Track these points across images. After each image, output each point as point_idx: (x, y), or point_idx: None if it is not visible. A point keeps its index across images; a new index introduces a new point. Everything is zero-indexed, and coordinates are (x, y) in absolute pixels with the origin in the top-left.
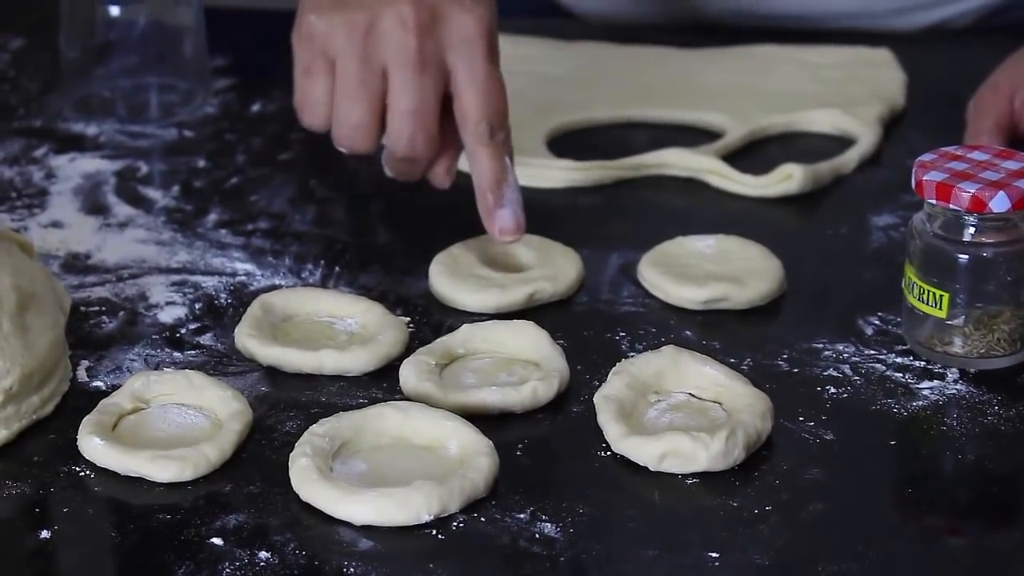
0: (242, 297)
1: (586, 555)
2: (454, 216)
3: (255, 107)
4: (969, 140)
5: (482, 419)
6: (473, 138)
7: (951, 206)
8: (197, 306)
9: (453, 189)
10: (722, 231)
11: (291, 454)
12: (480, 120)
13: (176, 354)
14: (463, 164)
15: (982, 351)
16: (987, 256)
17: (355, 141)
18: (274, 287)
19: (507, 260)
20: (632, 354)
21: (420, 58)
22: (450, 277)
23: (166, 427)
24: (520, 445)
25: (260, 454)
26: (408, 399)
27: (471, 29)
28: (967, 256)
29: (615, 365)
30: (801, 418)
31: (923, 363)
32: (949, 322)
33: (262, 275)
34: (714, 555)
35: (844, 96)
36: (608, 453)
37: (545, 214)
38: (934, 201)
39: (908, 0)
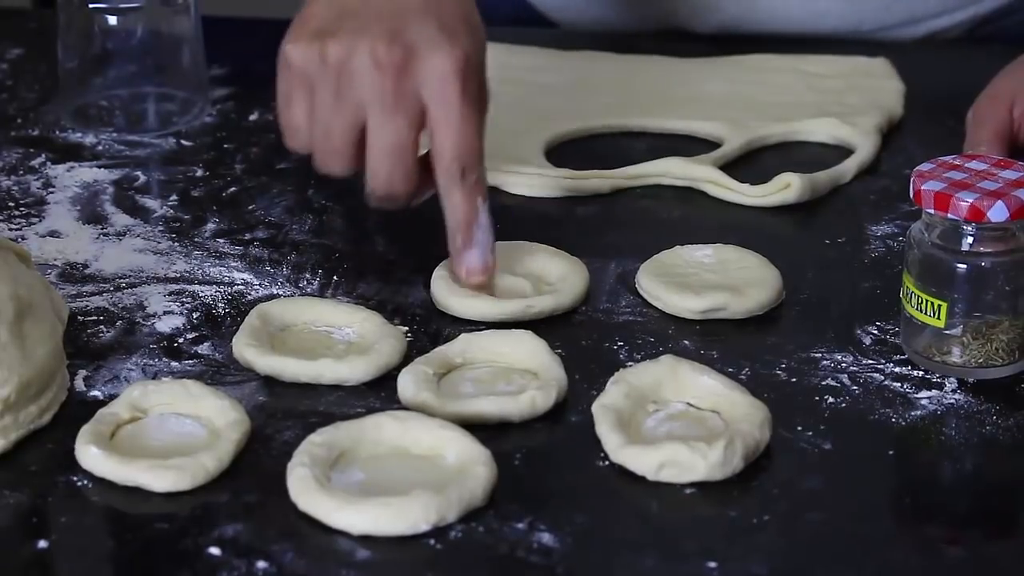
0: (240, 306)
1: (584, 565)
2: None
3: (253, 116)
4: (968, 150)
5: (480, 428)
6: (445, 178)
7: (949, 215)
8: (195, 315)
9: None
10: (720, 240)
11: (289, 463)
12: (452, 160)
13: (174, 363)
14: None
15: (980, 361)
16: (985, 266)
17: (332, 165)
18: (272, 296)
19: (513, 270)
20: (630, 363)
21: (394, 98)
22: (451, 284)
23: (164, 436)
24: (518, 454)
25: (258, 464)
26: (406, 408)
27: (446, 68)
28: (965, 266)
29: (613, 375)
30: (799, 427)
31: (921, 372)
32: (947, 332)
33: (260, 284)
34: (712, 564)
35: (842, 105)
36: (606, 463)
37: (543, 223)
38: (932, 211)
39: (896, 17)
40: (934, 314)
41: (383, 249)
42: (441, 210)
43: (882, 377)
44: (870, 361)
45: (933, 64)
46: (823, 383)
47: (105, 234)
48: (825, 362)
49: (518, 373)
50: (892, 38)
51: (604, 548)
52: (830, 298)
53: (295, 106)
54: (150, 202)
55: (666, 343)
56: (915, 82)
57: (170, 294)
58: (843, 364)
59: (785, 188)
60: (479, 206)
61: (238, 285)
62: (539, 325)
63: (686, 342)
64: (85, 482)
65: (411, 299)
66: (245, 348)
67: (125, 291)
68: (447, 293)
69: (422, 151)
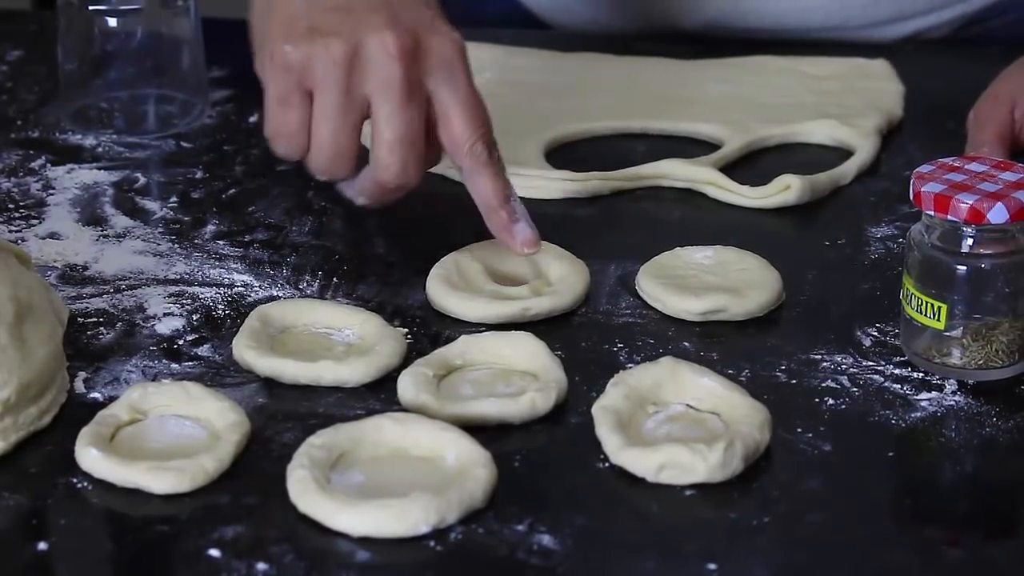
0: (240, 308)
1: (584, 566)
2: (452, 226)
3: (253, 118)
4: (970, 151)
5: (480, 430)
6: (470, 161)
7: (949, 217)
8: (195, 317)
9: (450, 199)
10: (720, 242)
11: (289, 465)
12: (476, 141)
13: (174, 365)
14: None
15: (980, 362)
16: (985, 267)
17: (336, 168)
18: (272, 298)
19: (509, 270)
20: (630, 365)
21: (407, 87)
22: (447, 286)
23: (164, 438)
24: (518, 456)
25: (258, 465)
26: (406, 410)
27: (451, 51)
28: (965, 267)
29: (613, 376)
30: (799, 429)
31: (921, 374)
32: (947, 333)
33: (260, 286)
34: (712, 566)
35: (842, 107)
36: (606, 464)
37: (543, 225)
38: (932, 212)
39: (882, 14)
40: (934, 316)
41: (383, 251)
42: (439, 210)
43: (882, 379)
44: (870, 363)
45: (933, 66)
46: (823, 385)
47: (105, 236)
48: (825, 364)
49: (518, 375)
50: (879, 37)
51: (604, 550)
52: (830, 300)
53: (292, 109)
54: (150, 204)
55: (666, 345)
56: (915, 84)
57: (170, 296)
58: (843, 366)
59: (785, 190)
60: (508, 179)
61: (238, 287)
62: (539, 327)
63: (686, 344)
64: (85, 484)
65: (411, 301)
66: (245, 350)
67: (125, 293)
68: (443, 294)
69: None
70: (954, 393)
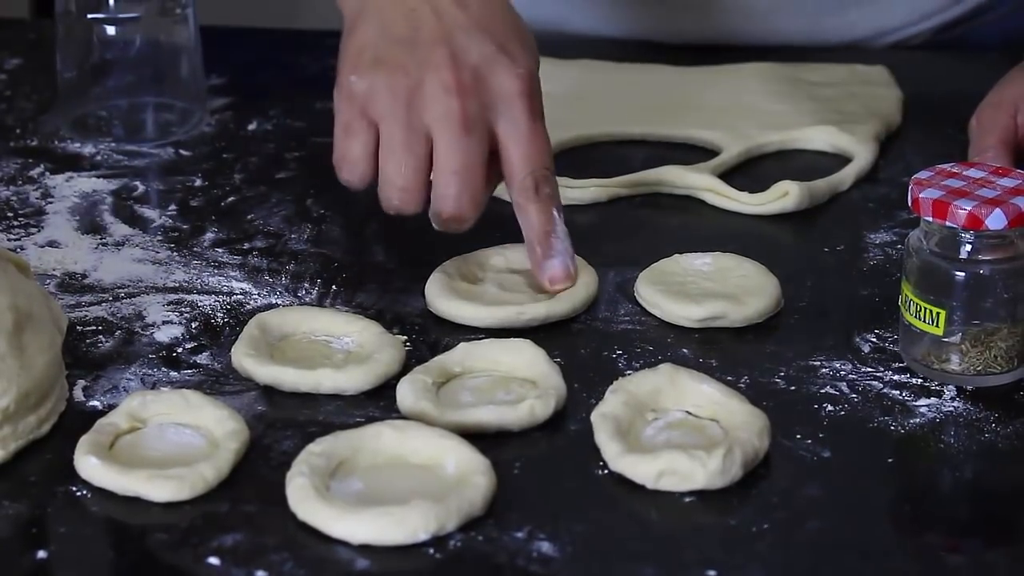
0: (239, 316)
1: (584, 574)
2: (452, 234)
3: (251, 126)
4: (974, 157)
5: (479, 438)
6: (519, 193)
7: (947, 223)
8: (194, 325)
9: None
10: (719, 248)
11: (288, 473)
12: (526, 176)
13: (173, 373)
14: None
15: (979, 368)
16: (984, 273)
17: (403, 203)
18: (271, 306)
19: (519, 271)
20: (629, 372)
21: (464, 120)
22: (446, 289)
23: (163, 446)
24: (517, 463)
25: (257, 473)
26: (405, 418)
27: (512, 88)
28: (964, 273)
29: (612, 383)
30: (798, 436)
31: (920, 380)
32: (946, 339)
33: (259, 294)
34: (712, 573)
35: (840, 113)
36: (606, 471)
37: None
38: (930, 218)
39: (861, 33)
40: (933, 322)
41: (382, 258)
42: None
43: (881, 385)
44: (869, 369)
45: (931, 72)
46: (822, 391)
47: (104, 244)
48: (824, 370)
49: (517, 382)
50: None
51: (603, 557)
52: (829, 306)
53: (354, 138)
54: (149, 212)
55: (665, 351)
56: (913, 90)
57: (169, 304)
58: (842, 372)
59: (783, 196)
60: (555, 217)
61: (237, 295)
62: (538, 333)
63: (685, 350)
64: (84, 492)
65: (410, 308)
66: (244, 358)
67: (124, 301)
68: (440, 297)
69: None
70: (953, 399)
